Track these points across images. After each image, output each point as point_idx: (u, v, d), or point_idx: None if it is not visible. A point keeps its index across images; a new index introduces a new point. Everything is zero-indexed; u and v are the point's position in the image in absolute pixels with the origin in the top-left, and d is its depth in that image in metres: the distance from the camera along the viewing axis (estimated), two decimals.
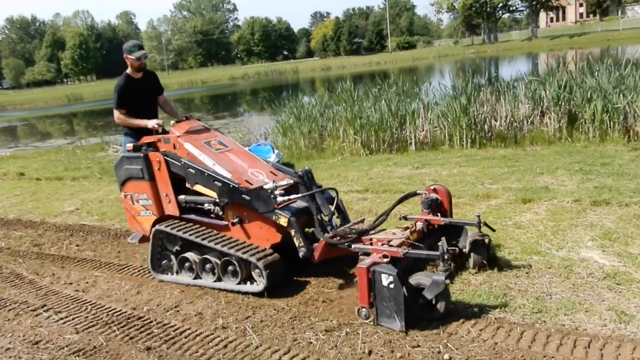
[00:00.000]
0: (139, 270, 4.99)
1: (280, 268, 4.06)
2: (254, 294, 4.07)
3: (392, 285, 3.20)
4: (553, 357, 2.85)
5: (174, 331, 3.65)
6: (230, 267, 4.18)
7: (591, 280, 3.68)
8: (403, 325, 3.23)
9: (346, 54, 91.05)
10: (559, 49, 45.09)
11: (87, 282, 4.79)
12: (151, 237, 4.60)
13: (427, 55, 62.90)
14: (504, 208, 5.52)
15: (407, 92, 11.62)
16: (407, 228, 4.06)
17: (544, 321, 3.23)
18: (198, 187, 4.43)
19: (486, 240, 4.00)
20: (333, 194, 4.34)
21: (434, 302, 3.32)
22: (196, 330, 3.64)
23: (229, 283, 4.20)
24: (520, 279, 3.83)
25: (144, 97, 5.17)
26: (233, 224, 4.27)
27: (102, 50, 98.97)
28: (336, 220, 4.30)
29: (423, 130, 10.27)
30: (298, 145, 11.16)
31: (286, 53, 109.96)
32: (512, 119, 9.66)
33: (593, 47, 40.27)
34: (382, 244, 3.69)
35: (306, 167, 4.41)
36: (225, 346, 3.38)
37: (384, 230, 4.07)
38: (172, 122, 5.03)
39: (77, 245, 5.98)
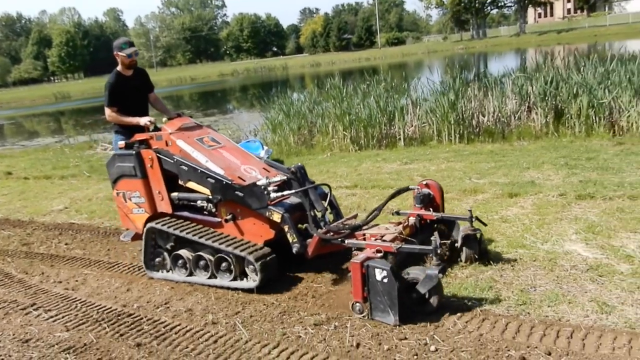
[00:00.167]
0: (128, 268, 5.01)
1: (274, 264, 4.08)
2: (247, 290, 4.09)
3: (385, 280, 3.23)
4: (536, 347, 2.91)
5: (164, 327, 3.68)
6: (223, 264, 4.20)
7: (574, 273, 3.75)
8: (397, 319, 3.27)
9: (335, 50, 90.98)
10: (546, 45, 45.37)
11: (76, 281, 4.80)
12: (144, 234, 4.60)
13: (416, 51, 63.01)
14: (490, 202, 5.59)
15: (395, 88, 11.68)
16: (399, 223, 4.09)
17: (528, 313, 3.30)
18: (191, 184, 4.43)
19: (478, 235, 4.04)
20: (326, 189, 4.36)
21: (427, 296, 3.36)
22: (186, 326, 3.66)
23: (223, 280, 4.21)
24: (505, 272, 3.89)
25: (135, 95, 5.16)
26: (226, 220, 4.28)
27: (90, 47, 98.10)
28: (329, 216, 4.33)
29: (412, 126, 10.34)
30: (287, 142, 11.19)
31: (275, 49, 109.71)
32: (499, 114, 9.75)
33: (580, 42, 40.56)
34: (376, 239, 3.72)
35: (299, 163, 4.43)
36: (215, 341, 3.41)
37: (377, 225, 4.09)
38: (163, 119, 5.04)
39: (66, 244, 5.97)
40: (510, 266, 3.97)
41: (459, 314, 3.35)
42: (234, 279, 4.16)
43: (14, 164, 12.74)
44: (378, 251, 3.50)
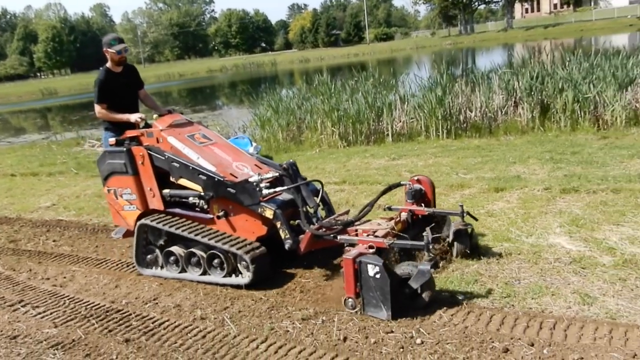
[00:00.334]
0: (117, 264, 5.01)
1: (266, 260, 4.09)
2: (236, 286, 4.10)
3: (378, 276, 3.26)
4: (520, 338, 2.96)
5: (152, 323, 3.70)
6: (216, 260, 4.20)
7: (558, 265, 3.81)
8: (390, 314, 3.30)
9: (324, 45, 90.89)
10: (533, 40, 45.66)
11: (64, 277, 4.80)
12: (135, 231, 4.59)
13: (404, 47, 63.12)
14: (477, 197, 5.65)
15: (383, 84, 11.72)
16: (391, 219, 4.11)
17: (513, 305, 3.35)
18: (183, 181, 4.43)
19: (469, 230, 4.08)
20: (318, 186, 4.36)
21: (419, 291, 3.38)
22: (175, 322, 3.68)
23: (215, 276, 4.22)
24: (491, 265, 3.94)
25: (124, 91, 5.11)
26: (218, 217, 4.29)
27: (76, 43, 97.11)
28: (321, 212, 4.34)
29: (400, 122, 10.39)
30: (276, 138, 11.20)
31: (264, 45, 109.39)
32: (486, 109, 9.83)
33: (567, 37, 40.88)
34: (368, 235, 3.73)
35: (291, 160, 4.43)
36: (204, 336, 3.44)
37: (369, 221, 4.10)
38: (154, 115, 5.02)
39: (54, 241, 5.96)
40: (495, 260, 4.02)
41: (444, 307, 3.39)
42: (227, 275, 4.17)
43: (1, 160, 12.64)
44: (370, 247, 3.51)
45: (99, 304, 4.13)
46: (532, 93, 9.27)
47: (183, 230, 4.27)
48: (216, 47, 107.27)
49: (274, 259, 4.23)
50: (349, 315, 3.45)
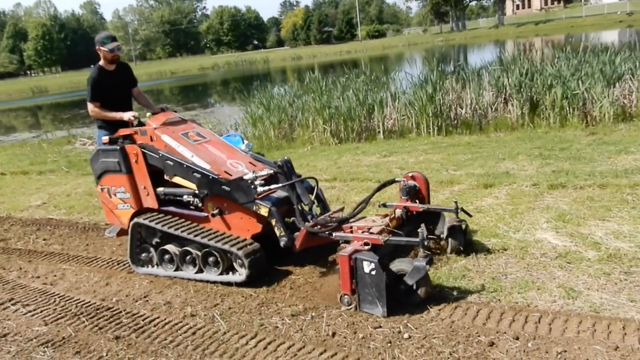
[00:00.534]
0: (107, 263, 5.02)
1: (261, 258, 4.10)
2: (226, 283, 4.12)
3: (373, 272, 3.27)
4: (505, 332, 3.01)
5: (142, 320, 3.72)
6: (211, 259, 4.20)
7: (544, 260, 3.86)
8: (385, 311, 3.32)
9: (316, 43, 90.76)
10: (525, 36, 45.88)
11: (55, 275, 4.80)
12: (130, 230, 4.58)
13: (396, 44, 63.16)
14: (466, 193, 5.69)
15: (375, 81, 11.76)
16: (386, 215, 4.12)
17: (499, 299, 3.40)
18: (177, 179, 4.42)
19: (463, 226, 4.10)
20: (313, 183, 4.36)
21: (414, 287, 3.40)
22: (165, 319, 3.70)
23: (210, 274, 4.22)
24: (478, 260, 3.99)
25: (118, 90, 5.10)
26: (213, 215, 4.29)
27: (67, 41, 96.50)
28: (316, 209, 4.35)
29: (391, 119, 10.43)
30: (268, 136, 11.21)
31: (256, 42, 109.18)
32: (477, 106, 9.88)
33: (557, 33, 41.10)
34: (363, 232, 3.74)
35: (285, 157, 4.43)
36: (194, 333, 3.46)
37: (363, 218, 4.11)
38: (147, 114, 5.00)
39: (44, 239, 5.95)
40: (483, 255, 4.07)
41: (432, 302, 3.43)
42: (222, 273, 4.17)
43: None
44: (365, 244, 3.52)
45: (89, 301, 4.14)
46: (522, 90, 9.34)
47: (177, 229, 4.26)
48: (208, 45, 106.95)
49: (269, 256, 4.23)
50: (338, 311, 3.48)
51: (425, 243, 3.48)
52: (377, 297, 3.33)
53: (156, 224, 4.38)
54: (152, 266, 4.57)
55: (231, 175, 4.26)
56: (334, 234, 3.83)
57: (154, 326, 3.62)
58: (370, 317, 3.35)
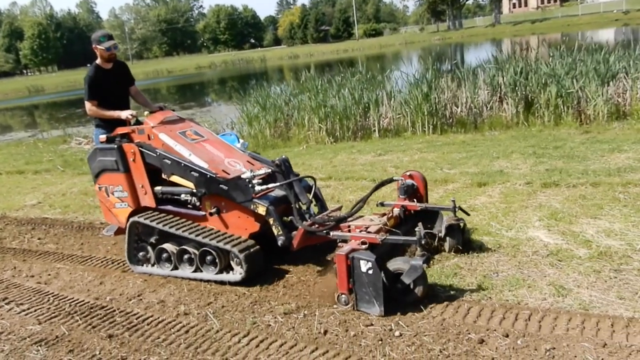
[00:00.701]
0: (102, 262, 5.02)
1: (259, 257, 4.10)
2: (220, 281, 4.13)
3: (370, 271, 3.28)
4: (495, 330, 3.03)
5: (136, 319, 3.73)
6: (208, 257, 4.19)
7: (535, 258, 3.89)
8: (382, 310, 3.32)
9: (313, 41, 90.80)
10: (521, 35, 45.97)
11: (49, 275, 4.81)
12: (127, 229, 4.58)
13: (393, 42, 63.24)
14: (460, 192, 5.72)
15: (370, 80, 11.77)
16: (384, 214, 4.13)
17: (490, 297, 3.42)
18: (174, 178, 4.42)
19: (461, 225, 4.11)
20: (310, 182, 4.37)
21: (412, 286, 3.41)
22: (158, 318, 3.71)
23: (208, 273, 4.21)
24: (470, 258, 4.01)
25: (115, 88, 5.08)
26: (211, 214, 4.29)
27: (63, 40, 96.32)
28: (314, 208, 4.35)
29: (386, 118, 10.45)
30: (264, 135, 11.21)
31: (253, 41, 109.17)
32: (472, 105, 9.91)
33: (554, 32, 41.18)
34: (360, 231, 3.74)
35: (283, 156, 4.43)
36: (187, 331, 3.48)
37: (361, 217, 4.12)
38: (145, 112, 4.99)
39: (39, 239, 5.96)
40: (475, 253, 4.09)
41: (424, 300, 3.45)
42: (220, 272, 4.17)
43: None
44: (363, 243, 3.52)
45: (83, 300, 4.15)
46: (516, 88, 9.37)
47: (175, 228, 4.26)
48: (205, 44, 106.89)
49: (267, 255, 4.24)
50: (330, 309, 3.50)
51: (423, 242, 3.46)
52: (374, 297, 3.34)
53: (154, 222, 4.38)
54: (150, 265, 4.57)
55: (229, 174, 4.25)
56: (331, 233, 3.83)
57: (147, 325, 3.63)
58: (362, 315, 3.38)
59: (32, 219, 6.76)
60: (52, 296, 4.30)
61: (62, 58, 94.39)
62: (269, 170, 4.32)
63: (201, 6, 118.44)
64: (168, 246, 4.41)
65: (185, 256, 4.34)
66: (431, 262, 4.02)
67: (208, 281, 4.21)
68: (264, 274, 4.22)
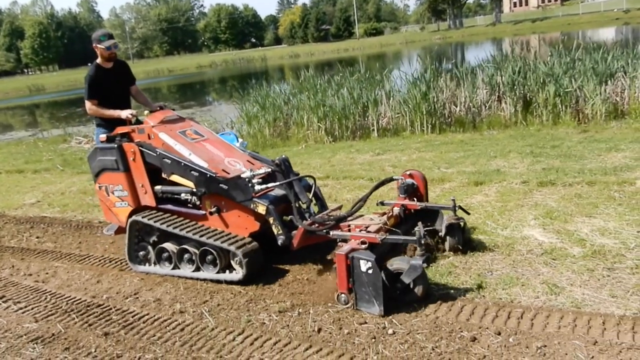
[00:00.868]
0: (99, 260, 5.05)
1: (259, 256, 4.11)
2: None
3: (370, 271, 3.28)
4: (487, 328, 3.05)
5: (132, 317, 3.75)
6: (209, 257, 4.20)
7: (530, 257, 3.91)
8: (382, 309, 3.32)
9: (314, 40, 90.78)
10: (522, 34, 45.93)
11: (47, 273, 4.83)
12: (127, 228, 4.59)
13: (394, 42, 63.23)
14: (456, 191, 5.73)
15: (369, 80, 11.78)
16: (384, 213, 4.13)
17: (483, 295, 3.44)
18: (174, 177, 4.42)
19: (461, 224, 4.12)
20: (310, 181, 4.37)
21: (411, 286, 3.42)
22: (154, 316, 3.74)
23: (208, 273, 4.23)
24: (465, 257, 4.03)
25: (115, 87, 5.09)
26: (211, 213, 4.30)
27: (64, 39, 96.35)
28: (314, 208, 4.35)
29: (385, 117, 10.47)
30: (263, 134, 11.24)
31: (254, 40, 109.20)
32: (470, 104, 9.92)
33: (554, 31, 41.14)
34: (360, 230, 3.74)
35: (283, 155, 4.43)
36: (182, 329, 3.50)
37: (361, 216, 4.12)
38: (145, 112, 4.99)
39: (37, 237, 5.98)
40: (470, 252, 4.10)
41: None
42: (220, 271, 4.18)
43: None
44: (363, 242, 3.52)
45: (80, 298, 4.17)
46: (515, 87, 9.38)
47: (175, 227, 4.27)
48: (205, 43, 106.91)
49: (267, 254, 4.24)
50: (324, 308, 3.52)
51: (422, 241, 3.48)
52: (373, 296, 3.34)
53: (154, 221, 4.39)
54: (150, 264, 4.57)
55: (229, 173, 4.26)
56: (331, 233, 3.84)
57: (143, 323, 3.65)
58: (356, 313, 3.39)
59: (31, 218, 6.78)
60: (50, 294, 4.32)
61: (62, 57, 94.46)
62: (269, 170, 4.32)
63: (202, 5, 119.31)
64: (168, 245, 4.42)
65: (186, 255, 4.34)
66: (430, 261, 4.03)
67: (205, 280, 4.23)
68: (260, 273, 4.23)
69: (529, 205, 4.99)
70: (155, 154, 4.45)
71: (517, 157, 6.80)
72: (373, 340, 3.08)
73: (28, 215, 6.91)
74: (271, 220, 4.04)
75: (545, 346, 2.81)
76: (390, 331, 3.15)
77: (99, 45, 4.93)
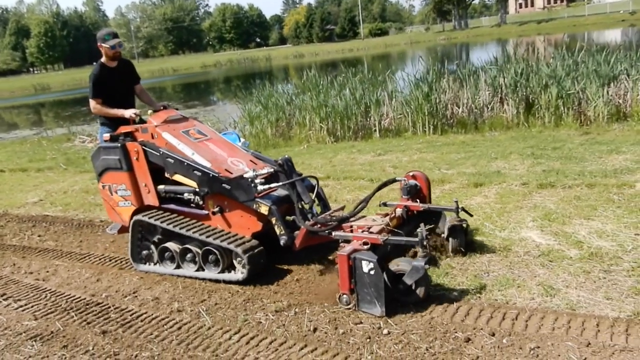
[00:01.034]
0: (99, 259, 5.08)
1: (262, 256, 4.12)
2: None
3: (372, 272, 3.29)
4: (482, 329, 3.06)
5: (130, 315, 3.78)
6: (211, 257, 4.21)
7: (527, 258, 3.92)
8: (383, 310, 3.33)
9: (319, 40, 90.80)
10: (527, 35, 45.83)
11: (47, 271, 4.87)
12: (130, 227, 4.60)
13: (399, 42, 63.18)
14: (456, 192, 5.74)
15: (372, 80, 11.79)
16: (386, 214, 4.13)
17: (479, 297, 3.45)
18: (177, 177, 4.44)
19: (464, 225, 4.11)
20: (313, 182, 4.38)
21: (413, 287, 3.42)
22: (152, 314, 3.77)
23: (211, 272, 4.23)
24: (462, 258, 4.04)
25: (120, 86, 5.10)
26: (214, 213, 4.32)
27: (69, 38, 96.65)
28: (317, 208, 4.35)
29: (387, 118, 10.47)
30: (265, 134, 11.26)
31: (259, 40, 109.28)
32: (473, 105, 9.92)
33: (560, 32, 40.99)
34: (363, 231, 3.74)
35: (286, 156, 4.44)
36: (179, 328, 3.53)
37: (364, 217, 4.12)
38: (149, 111, 5.00)
39: (39, 236, 6.02)
40: (467, 253, 4.11)
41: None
42: (222, 271, 4.19)
43: None
44: (365, 243, 3.53)
45: (79, 297, 4.21)
46: (517, 89, 9.38)
47: (178, 227, 4.28)
48: (210, 42, 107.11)
49: (269, 254, 4.25)
50: (320, 307, 3.54)
51: (425, 243, 3.48)
52: (375, 297, 3.34)
53: (157, 221, 4.41)
54: (153, 264, 4.59)
55: (232, 173, 4.28)
56: (333, 233, 3.84)
57: (141, 321, 3.68)
58: (352, 313, 3.41)
59: (33, 217, 6.83)
60: (50, 292, 4.36)
61: (68, 56, 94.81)
62: (272, 170, 4.33)
63: (207, 5, 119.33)
64: (171, 245, 4.43)
65: (189, 255, 4.35)
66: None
67: (204, 279, 4.25)
68: (257, 273, 4.25)
69: (527, 207, 5.00)
70: (158, 154, 4.47)
71: (518, 158, 6.80)
72: (368, 340, 3.10)
73: (30, 214, 6.96)
74: (274, 220, 4.05)
75: (539, 347, 2.82)
76: (385, 331, 3.17)
77: (103, 44, 4.95)
